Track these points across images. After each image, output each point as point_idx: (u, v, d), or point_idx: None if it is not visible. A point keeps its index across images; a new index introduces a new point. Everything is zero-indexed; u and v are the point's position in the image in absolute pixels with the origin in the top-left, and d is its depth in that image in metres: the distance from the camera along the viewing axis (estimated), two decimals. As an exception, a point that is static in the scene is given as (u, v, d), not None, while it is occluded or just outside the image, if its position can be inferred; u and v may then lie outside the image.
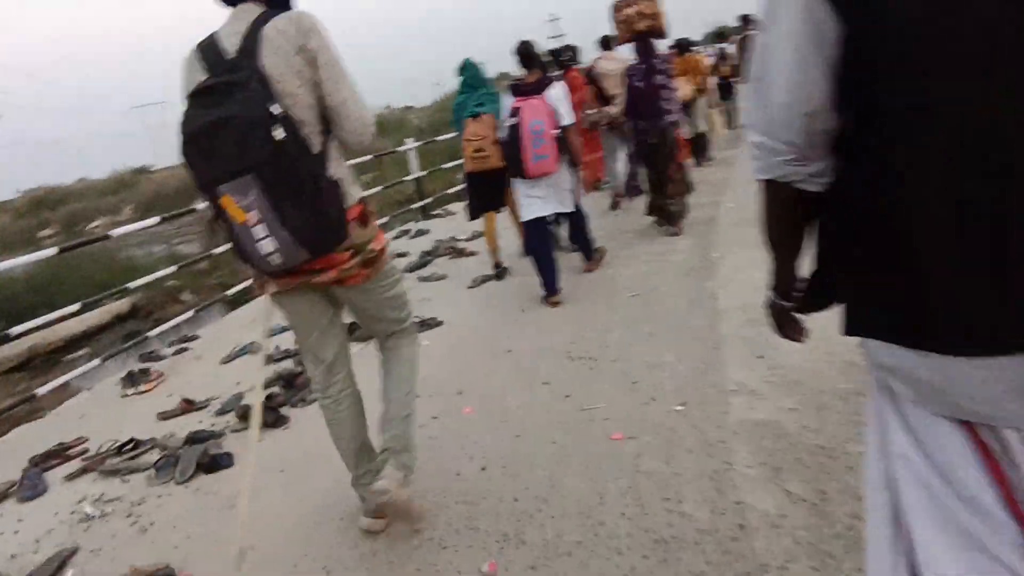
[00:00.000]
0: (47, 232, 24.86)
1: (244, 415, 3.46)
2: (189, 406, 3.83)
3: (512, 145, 4.17)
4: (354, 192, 2.03)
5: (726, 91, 10.83)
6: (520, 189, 4.40)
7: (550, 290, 4.43)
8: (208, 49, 1.89)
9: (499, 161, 4.66)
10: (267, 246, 1.82)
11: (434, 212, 9.38)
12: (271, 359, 4.39)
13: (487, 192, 5.01)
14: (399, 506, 2.22)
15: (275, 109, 1.74)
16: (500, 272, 5.37)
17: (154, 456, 3.28)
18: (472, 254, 6.36)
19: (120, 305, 9.07)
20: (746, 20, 10.46)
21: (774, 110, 0.95)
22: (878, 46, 0.82)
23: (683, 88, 7.02)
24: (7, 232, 24.56)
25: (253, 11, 1.89)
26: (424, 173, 9.50)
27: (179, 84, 1.94)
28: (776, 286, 1.23)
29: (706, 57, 9.69)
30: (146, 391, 4.29)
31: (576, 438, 2.72)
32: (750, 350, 3.18)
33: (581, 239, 4.93)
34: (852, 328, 0.99)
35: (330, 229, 1.88)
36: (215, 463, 3.07)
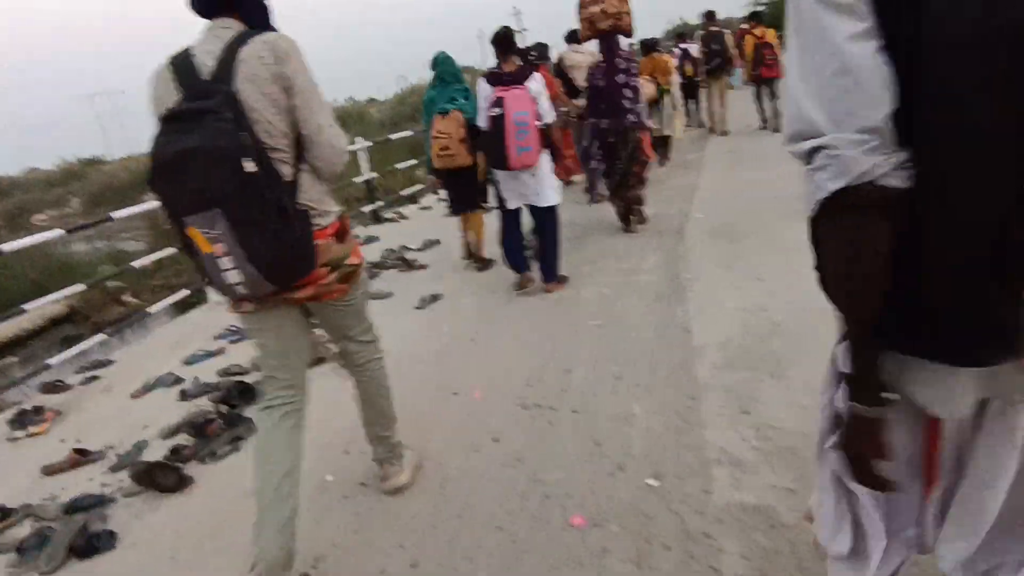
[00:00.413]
0: (-14, 224, 23.52)
1: (140, 476, 2.90)
2: (80, 458, 3.25)
3: (495, 136, 4.02)
4: (331, 210, 2.02)
5: (690, 90, 10.56)
6: (500, 180, 4.31)
7: (519, 269, 4.47)
8: (182, 67, 1.82)
9: (466, 159, 4.72)
10: (233, 277, 1.80)
11: (386, 216, 8.77)
12: (185, 396, 3.83)
13: (461, 190, 4.96)
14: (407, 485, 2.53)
15: (247, 140, 1.70)
16: (482, 264, 5.37)
17: (24, 529, 2.73)
18: (422, 267, 5.81)
19: (55, 308, 8.36)
20: (710, 17, 10.23)
21: (843, 93, 0.82)
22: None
23: (647, 88, 6.90)
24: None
25: (230, 30, 1.85)
26: (375, 175, 8.91)
27: (149, 98, 1.88)
28: (860, 383, 0.94)
29: (672, 57, 9.38)
30: (37, 434, 3.69)
31: (528, 523, 2.24)
32: (733, 403, 2.74)
33: (550, 254, 4.49)
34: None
35: (297, 262, 1.87)
36: (91, 545, 2.51)
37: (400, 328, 4.24)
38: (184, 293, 5.66)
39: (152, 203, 5.12)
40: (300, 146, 1.91)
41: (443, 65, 4.93)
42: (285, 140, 1.85)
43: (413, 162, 9.82)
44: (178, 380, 4.10)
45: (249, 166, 1.68)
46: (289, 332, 2.13)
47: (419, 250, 6.45)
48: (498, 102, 4.01)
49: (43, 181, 31.22)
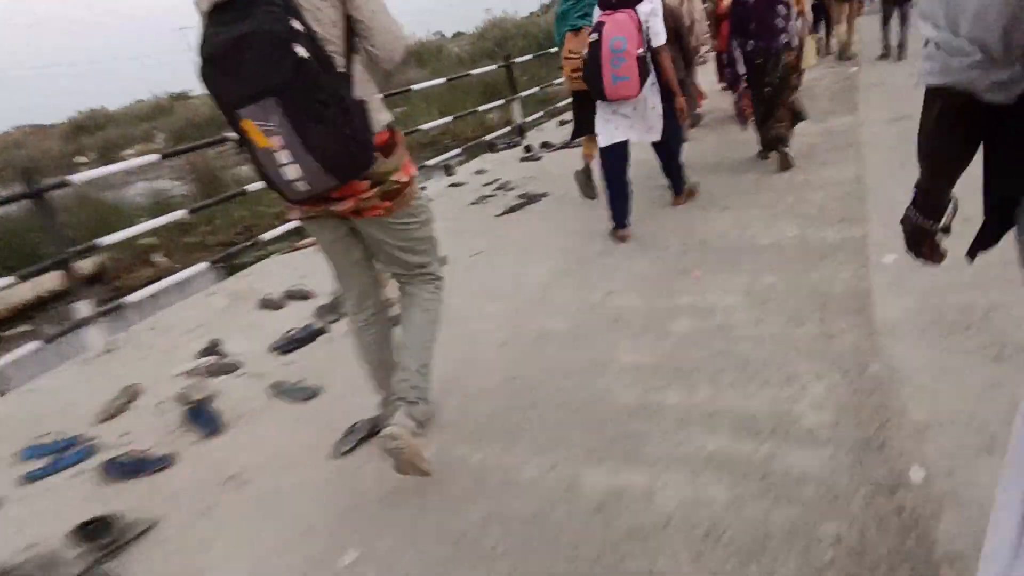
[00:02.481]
0: (82, 159, 24.14)
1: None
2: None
3: (592, 64, 3.74)
4: (381, 118, 1.94)
5: (817, 17, 9.38)
6: (601, 111, 3.99)
7: (619, 223, 4.09)
8: None
9: None
10: (291, 172, 1.75)
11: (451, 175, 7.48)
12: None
13: (590, 113, 4.32)
14: (408, 456, 1.96)
15: (297, 25, 1.64)
16: (589, 187, 4.92)
17: None
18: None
19: (84, 266, 7.90)
20: None
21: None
22: None
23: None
24: (46, 158, 23.92)
25: None
26: (447, 120, 7.95)
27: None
28: (922, 203, 1.09)
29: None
30: None
31: None
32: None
33: (672, 169, 4.42)
34: None
35: (358, 153, 1.79)
36: None
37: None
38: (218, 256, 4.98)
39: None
40: (351, 37, 1.84)
41: None
42: (336, 29, 1.80)
43: (493, 104, 8.80)
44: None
45: (301, 52, 1.62)
46: (343, 241, 2.12)
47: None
48: (598, 27, 3.72)
49: (135, 116, 31.98)
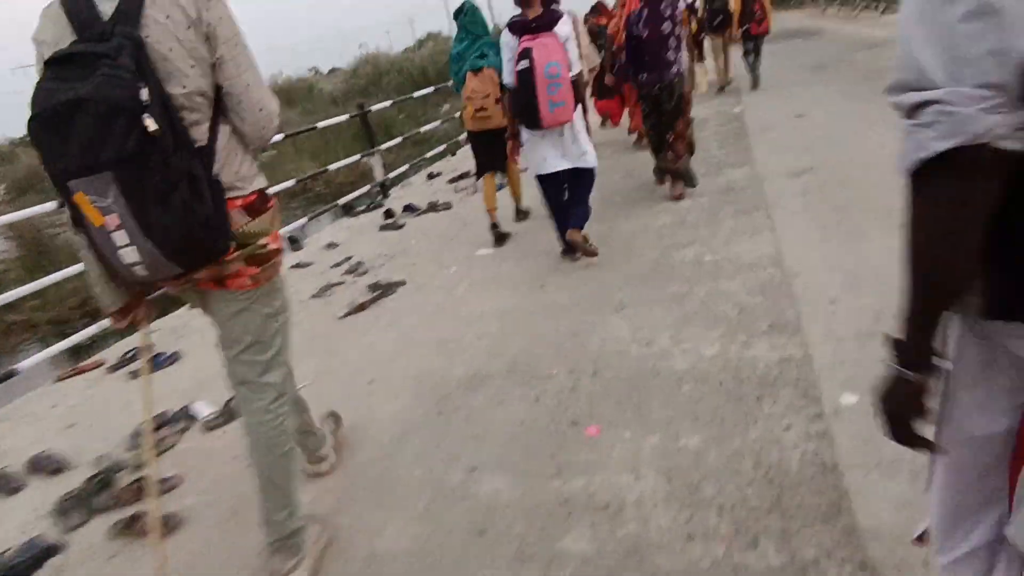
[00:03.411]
0: None
1: None
2: None
3: (524, 92, 3.59)
4: (250, 184, 1.75)
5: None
6: (532, 142, 3.87)
7: (571, 226, 3.90)
8: (78, 3, 1.54)
9: (501, 120, 4.36)
10: (129, 255, 1.55)
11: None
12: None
13: (490, 151, 4.62)
14: None
15: (145, 95, 1.43)
16: (500, 236, 4.81)
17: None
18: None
19: None
20: None
21: (968, 41, 0.69)
22: None
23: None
24: None
25: None
26: (288, 184, 6.49)
27: (35, 37, 1.61)
28: (916, 347, 0.85)
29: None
30: None
31: None
32: None
33: (582, 204, 4.02)
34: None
35: (207, 238, 1.60)
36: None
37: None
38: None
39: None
40: (220, 106, 1.66)
41: (469, 15, 4.50)
42: (202, 98, 1.61)
43: (345, 161, 7.58)
44: None
45: (150, 124, 1.43)
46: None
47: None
48: (525, 53, 3.53)
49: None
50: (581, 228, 3.95)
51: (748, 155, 5.85)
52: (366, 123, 7.19)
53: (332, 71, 37.07)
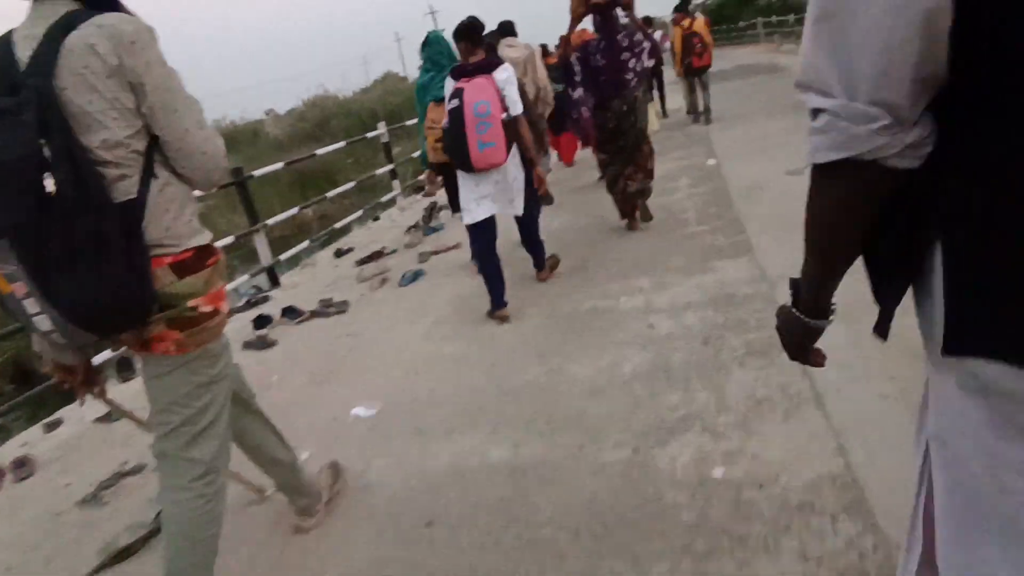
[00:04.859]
0: None
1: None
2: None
3: (455, 132, 3.51)
4: (189, 240, 1.60)
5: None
6: (464, 185, 3.74)
7: (497, 303, 3.85)
8: None
9: None
10: (44, 323, 1.46)
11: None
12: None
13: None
14: None
15: (47, 151, 1.35)
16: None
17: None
18: None
19: None
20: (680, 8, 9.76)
21: (861, 57, 0.67)
22: None
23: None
24: None
25: (58, 9, 1.46)
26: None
27: None
28: (812, 301, 0.93)
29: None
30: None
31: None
32: None
33: (532, 244, 4.27)
34: (968, 346, 0.73)
35: (119, 307, 1.47)
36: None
37: None
38: None
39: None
40: (152, 157, 1.54)
41: (435, 46, 4.39)
42: (125, 150, 1.48)
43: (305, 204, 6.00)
44: None
45: (49, 184, 1.34)
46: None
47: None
48: (457, 93, 3.52)
49: None
50: (542, 268, 4.32)
51: (741, 236, 4.37)
52: (244, 194, 5.53)
53: (291, 112, 35.54)
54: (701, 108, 9.63)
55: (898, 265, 0.81)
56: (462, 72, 3.63)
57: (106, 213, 1.42)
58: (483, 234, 3.79)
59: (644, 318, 3.44)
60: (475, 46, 3.77)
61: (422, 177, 5.54)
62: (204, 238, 1.64)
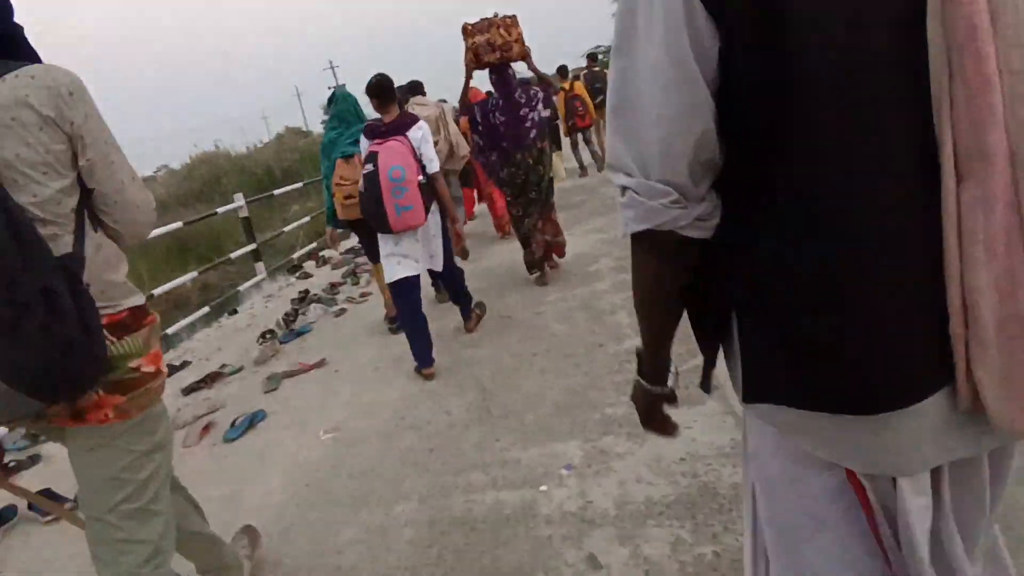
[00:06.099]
0: None
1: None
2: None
3: (371, 197, 3.47)
4: (125, 300, 1.53)
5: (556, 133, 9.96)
6: (384, 245, 3.72)
7: (423, 362, 3.77)
8: None
9: None
10: None
11: None
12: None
13: (373, 238, 3.95)
14: None
15: None
16: (396, 327, 4.58)
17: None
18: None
19: None
20: (592, 59, 10.83)
21: (648, 144, 0.78)
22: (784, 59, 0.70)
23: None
24: None
25: None
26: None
27: None
28: (650, 368, 1.02)
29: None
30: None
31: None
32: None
33: (459, 296, 4.30)
34: (759, 394, 0.86)
35: (72, 369, 1.34)
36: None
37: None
38: None
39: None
40: (83, 213, 1.46)
41: (342, 103, 4.39)
42: (59, 207, 1.40)
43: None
44: None
45: None
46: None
47: None
48: (371, 157, 3.48)
49: None
50: (469, 318, 4.33)
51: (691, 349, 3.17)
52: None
53: (178, 170, 33.17)
54: (588, 161, 10.39)
55: (711, 329, 0.92)
56: (375, 132, 3.60)
57: (56, 266, 1.33)
58: (408, 292, 3.73)
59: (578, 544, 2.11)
60: (388, 103, 3.74)
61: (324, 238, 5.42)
62: (139, 298, 1.57)
